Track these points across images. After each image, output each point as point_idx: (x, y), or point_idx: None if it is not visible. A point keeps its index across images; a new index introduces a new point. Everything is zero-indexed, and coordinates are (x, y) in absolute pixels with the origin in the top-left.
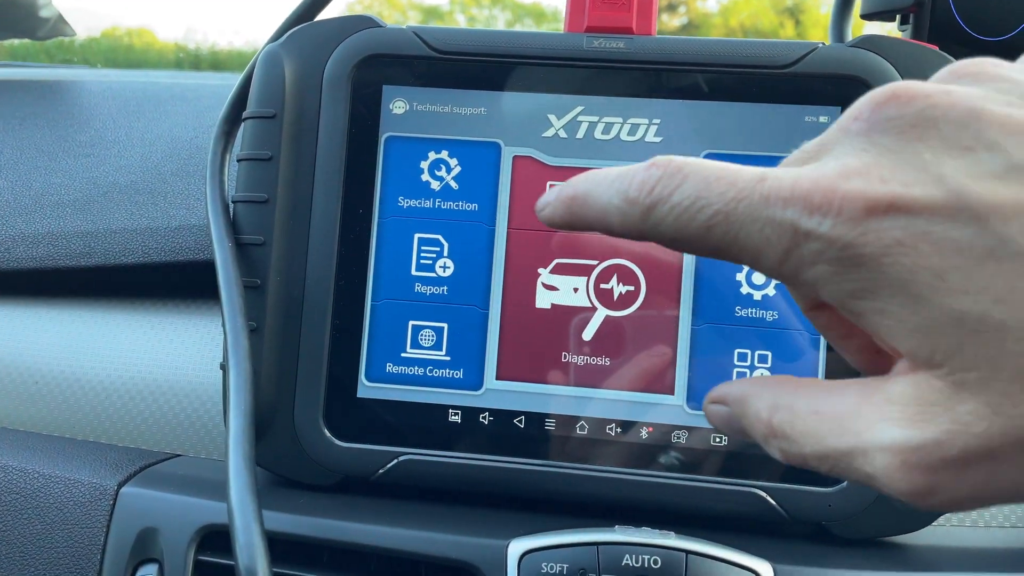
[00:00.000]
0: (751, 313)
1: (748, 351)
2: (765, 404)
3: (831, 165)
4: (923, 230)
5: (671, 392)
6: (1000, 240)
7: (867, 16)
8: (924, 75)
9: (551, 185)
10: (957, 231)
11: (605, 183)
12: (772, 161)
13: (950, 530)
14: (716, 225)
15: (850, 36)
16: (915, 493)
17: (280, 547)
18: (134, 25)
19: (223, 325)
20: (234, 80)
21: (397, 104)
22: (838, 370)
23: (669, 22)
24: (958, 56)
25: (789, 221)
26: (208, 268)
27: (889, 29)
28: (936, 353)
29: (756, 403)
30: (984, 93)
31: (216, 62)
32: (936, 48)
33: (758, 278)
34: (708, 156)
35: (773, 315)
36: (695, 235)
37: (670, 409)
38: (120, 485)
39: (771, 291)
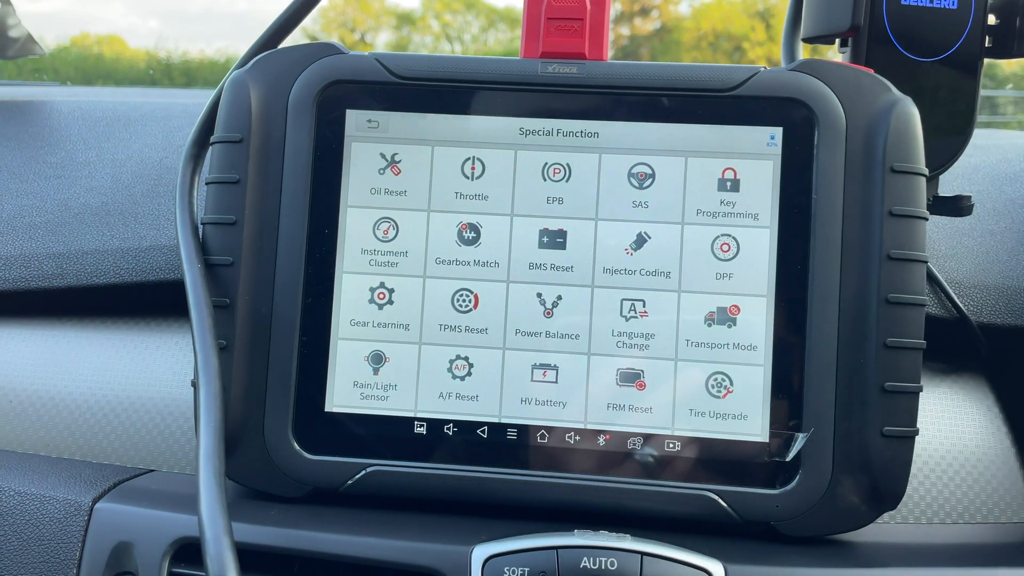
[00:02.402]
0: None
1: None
2: None
3: None
4: None
5: None
6: None
7: (808, 40)
8: (861, 98)
9: None
10: None
11: None
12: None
13: (893, 527)
14: None
15: (801, 55)
16: None
17: (251, 558)
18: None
19: (193, 344)
20: (203, 97)
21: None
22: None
23: (642, 26)
24: (894, 78)
25: None
26: (179, 287)
27: (833, 51)
28: None
29: None
30: None
31: (187, 70)
32: (871, 71)
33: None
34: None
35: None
36: None
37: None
38: (95, 501)
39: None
